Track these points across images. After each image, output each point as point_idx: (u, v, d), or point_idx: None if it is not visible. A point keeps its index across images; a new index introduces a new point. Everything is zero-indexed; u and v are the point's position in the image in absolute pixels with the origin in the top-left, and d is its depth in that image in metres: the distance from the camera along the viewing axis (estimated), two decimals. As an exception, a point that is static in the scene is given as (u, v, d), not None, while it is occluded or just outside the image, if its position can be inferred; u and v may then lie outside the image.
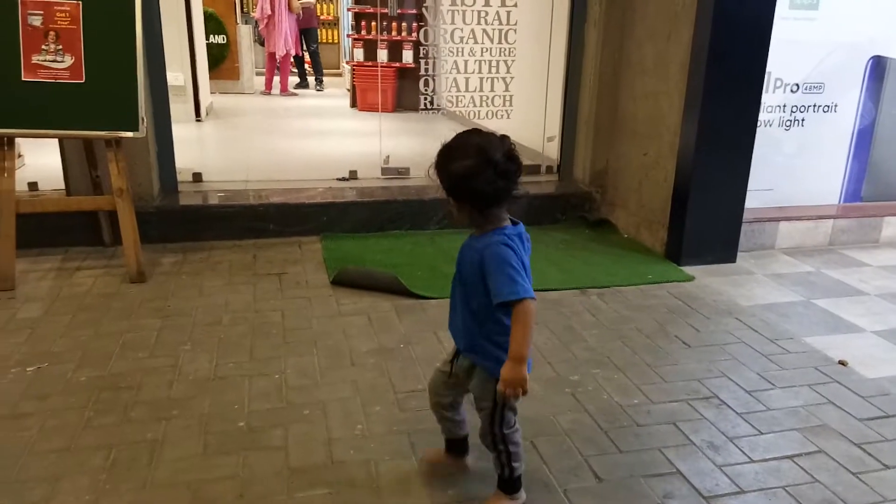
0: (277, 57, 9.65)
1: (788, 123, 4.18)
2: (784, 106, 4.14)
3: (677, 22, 3.73)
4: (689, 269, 3.74)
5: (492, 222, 1.76)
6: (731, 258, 3.90)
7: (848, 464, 2.14)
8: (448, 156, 1.73)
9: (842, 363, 2.78)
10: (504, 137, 1.75)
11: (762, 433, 2.29)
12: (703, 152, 3.63)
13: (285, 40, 9.51)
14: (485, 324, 1.75)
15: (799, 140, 4.24)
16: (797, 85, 4.12)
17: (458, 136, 1.77)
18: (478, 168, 1.68)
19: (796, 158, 4.28)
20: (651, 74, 4.01)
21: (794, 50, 4.00)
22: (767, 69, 3.64)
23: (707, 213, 3.75)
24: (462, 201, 1.72)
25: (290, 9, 9.58)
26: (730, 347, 2.89)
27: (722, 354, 2.83)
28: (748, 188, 3.78)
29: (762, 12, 3.52)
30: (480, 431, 1.86)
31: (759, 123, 3.72)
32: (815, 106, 4.20)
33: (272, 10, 9.45)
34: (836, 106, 4.23)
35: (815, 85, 4.15)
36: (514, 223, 1.80)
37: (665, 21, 3.84)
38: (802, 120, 4.19)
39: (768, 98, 4.01)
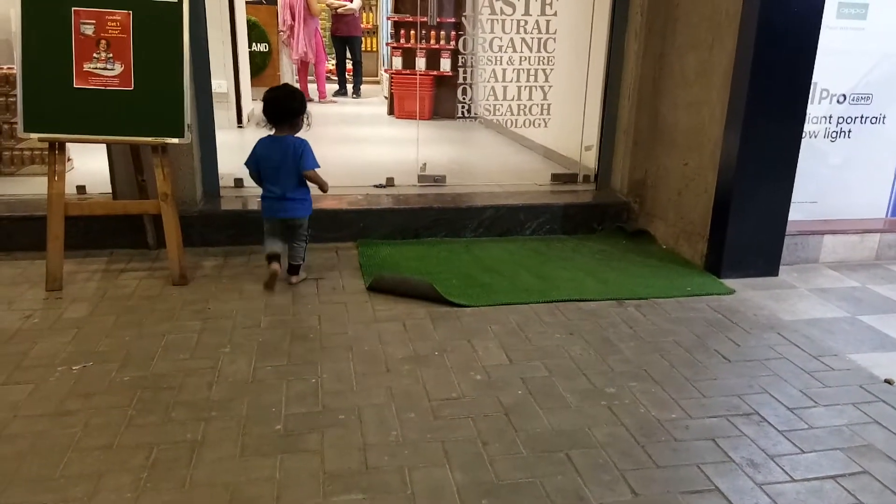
0: (309, 62, 9.74)
1: (834, 135, 4.09)
2: (830, 117, 4.04)
3: (721, 31, 3.68)
4: (729, 282, 3.68)
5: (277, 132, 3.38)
6: (774, 272, 3.82)
7: (894, 485, 2.08)
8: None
9: (888, 382, 2.70)
10: (278, 97, 3.36)
11: (804, 452, 2.24)
12: (746, 163, 3.57)
13: (304, 45, 9.55)
14: None
15: (845, 152, 4.14)
16: (844, 96, 4.03)
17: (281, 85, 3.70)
18: (263, 101, 3.34)
19: (842, 171, 4.18)
20: (693, 84, 3.96)
21: (840, 60, 3.91)
22: (813, 79, 3.57)
23: (749, 226, 3.68)
24: None
25: (310, 12, 9.63)
26: (771, 363, 2.83)
27: (763, 370, 2.77)
28: (792, 200, 3.71)
29: (808, 22, 3.46)
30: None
31: (804, 135, 3.64)
32: (862, 117, 4.09)
33: (293, 18, 9.56)
34: (884, 117, 4.12)
35: (863, 96, 4.05)
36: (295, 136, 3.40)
37: (708, 30, 3.80)
38: (849, 131, 4.10)
39: (814, 109, 3.93)
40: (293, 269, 3.50)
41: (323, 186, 3.48)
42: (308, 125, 3.38)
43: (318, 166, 3.40)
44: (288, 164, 3.31)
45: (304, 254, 3.52)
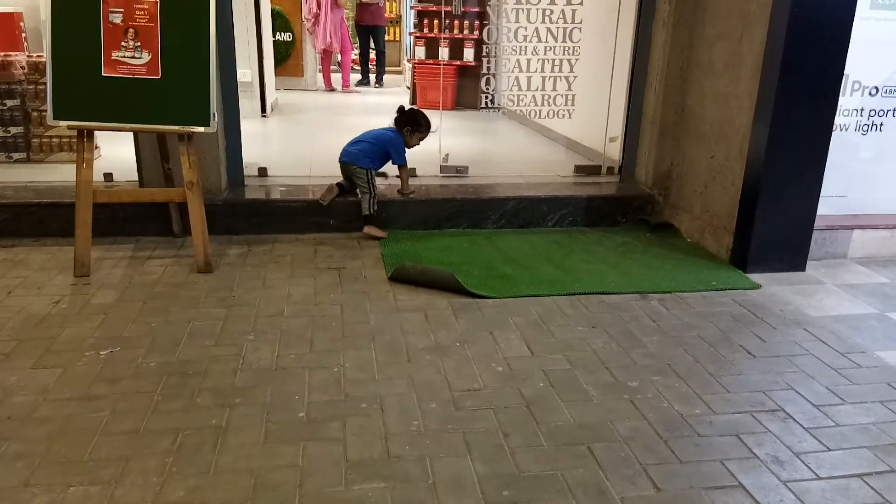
0: (333, 51, 9.75)
1: (866, 128, 4.01)
2: (861, 110, 3.96)
3: (750, 21, 3.62)
4: (755, 277, 3.63)
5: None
6: (801, 266, 3.76)
7: (923, 486, 2.05)
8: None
9: (918, 380, 2.66)
10: (403, 111, 4.36)
11: (830, 449, 2.21)
12: (774, 156, 3.52)
13: (328, 34, 9.56)
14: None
15: (876, 145, 4.06)
16: (876, 88, 3.94)
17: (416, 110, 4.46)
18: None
19: (873, 164, 4.10)
20: (721, 75, 3.90)
21: (874, 51, 3.82)
22: (845, 71, 3.49)
23: (776, 220, 3.63)
24: None
25: (337, 2, 9.63)
26: (797, 359, 2.80)
27: (789, 366, 2.74)
28: (820, 194, 3.64)
29: (841, 12, 3.38)
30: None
31: (834, 127, 3.58)
32: (894, 110, 4.01)
33: (318, 7, 9.56)
34: (917, 111, 4.03)
35: (896, 88, 3.97)
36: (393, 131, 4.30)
37: (737, 20, 3.73)
38: (881, 125, 4.01)
39: (845, 101, 3.85)
40: (364, 219, 4.05)
41: (406, 183, 4.25)
42: (416, 143, 4.30)
43: (405, 163, 4.25)
44: (376, 139, 4.17)
45: (368, 206, 4.01)
